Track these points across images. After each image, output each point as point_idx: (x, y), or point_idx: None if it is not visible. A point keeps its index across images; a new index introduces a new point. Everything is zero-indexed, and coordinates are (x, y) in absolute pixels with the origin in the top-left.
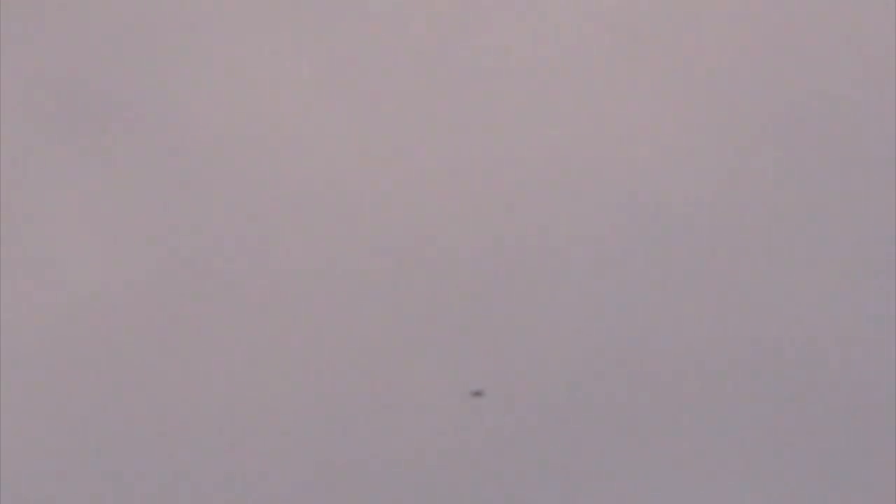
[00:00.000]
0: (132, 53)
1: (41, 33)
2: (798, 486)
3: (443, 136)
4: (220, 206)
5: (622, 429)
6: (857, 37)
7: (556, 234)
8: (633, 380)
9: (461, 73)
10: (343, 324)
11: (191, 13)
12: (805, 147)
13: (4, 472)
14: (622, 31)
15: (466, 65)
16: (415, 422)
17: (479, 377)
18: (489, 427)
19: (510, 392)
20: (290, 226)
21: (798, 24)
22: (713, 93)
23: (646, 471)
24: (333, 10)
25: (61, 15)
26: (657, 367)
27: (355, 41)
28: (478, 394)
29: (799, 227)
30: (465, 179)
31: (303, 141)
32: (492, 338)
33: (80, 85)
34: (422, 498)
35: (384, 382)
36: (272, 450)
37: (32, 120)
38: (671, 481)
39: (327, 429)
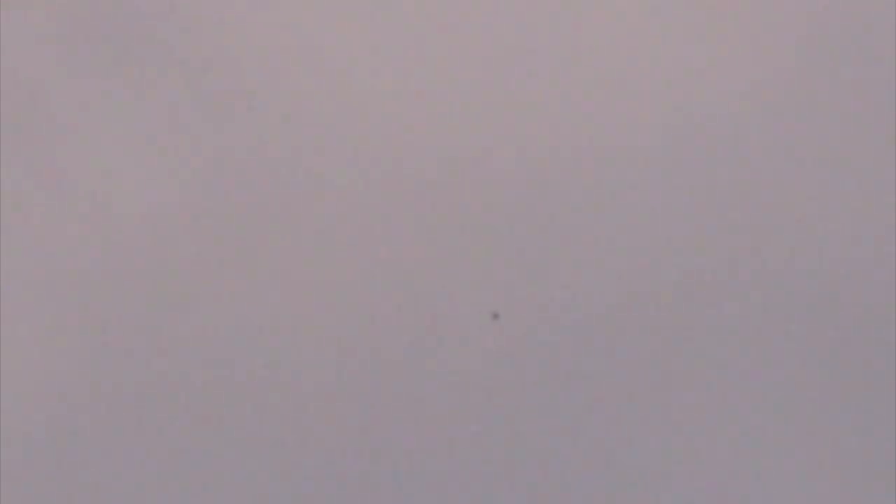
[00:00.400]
0: None
1: None
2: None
3: (468, 53)
4: (256, 126)
5: (639, 352)
6: None
7: (578, 157)
8: (654, 306)
9: None
10: (366, 244)
11: None
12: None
13: (44, 385)
14: None
15: None
16: (433, 342)
17: (498, 300)
18: (506, 349)
19: (528, 314)
20: (322, 148)
21: None
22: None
23: (662, 394)
24: None
25: None
26: (680, 291)
27: None
28: (496, 316)
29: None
30: (491, 101)
31: (333, 61)
32: (512, 260)
33: (116, 5)
34: (435, 418)
35: (403, 302)
36: (297, 368)
37: (69, 42)
38: (688, 408)
39: (348, 348)
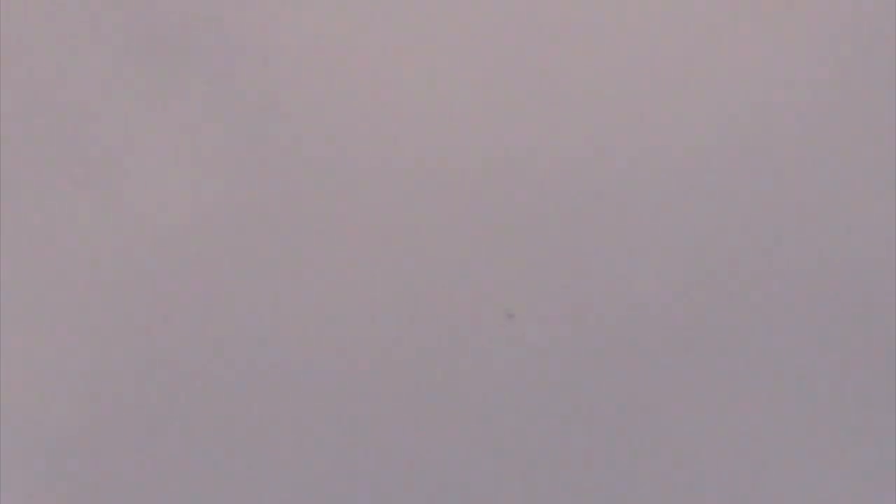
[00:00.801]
0: None
1: None
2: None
3: (494, 52)
4: (290, 131)
5: (660, 357)
6: None
7: (599, 151)
8: (672, 309)
9: None
10: (389, 242)
11: None
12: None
13: (81, 386)
14: None
15: None
16: (444, 342)
17: (514, 298)
18: (521, 349)
19: (544, 314)
20: (365, 153)
21: None
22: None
23: (683, 398)
24: None
25: None
26: (703, 293)
27: None
28: (511, 315)
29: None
30: (510, 98)
31: (363, 64)
32: (527, 257)
33: (156, 8)
34: (446, 420)
35: (417, 300)
36: (313, 366)
37: (109, 46)
38: (712, 410)
39: (360, 348)
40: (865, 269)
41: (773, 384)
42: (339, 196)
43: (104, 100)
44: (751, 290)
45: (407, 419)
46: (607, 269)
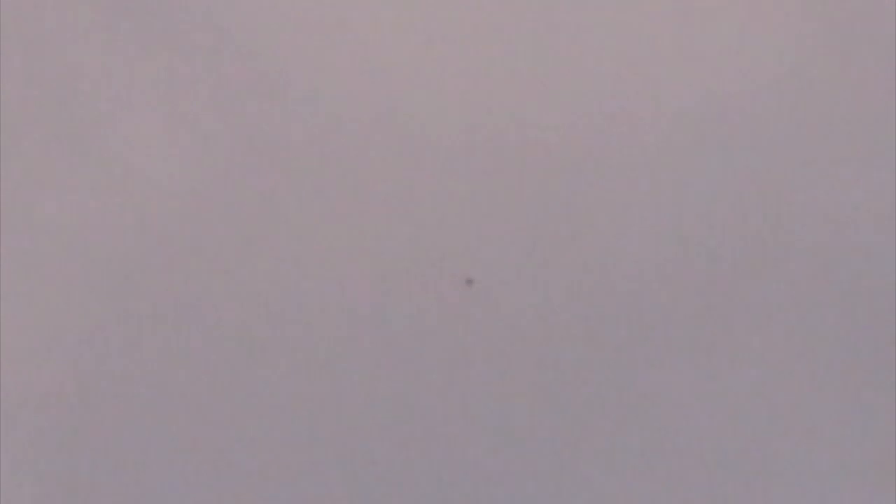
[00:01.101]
0: None
1: None
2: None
3: (476, 37)
4: (282, 104)
5: (617, 326)
6: None
7: (562, 120)
8: (629, 274)
9: None
10: (346, 213)
11: None
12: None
13: (73, 355)
14: None
15: None
16: (406, 308)
17: (472, 265)
18: (480, 315)
19: (502, 283)
20: (362, 126)
21: None
22: None
23: (647, 378)
24: None
25: None
26: (674, 276)
27: None
28: (470, 282)
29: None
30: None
31: (358, 39)
32: (485, 225)
33: None
34: (408, 385)
35: (378, 268)
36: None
37: (100, 19)
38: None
39: (326, 310)
40: (861, 249)
41: (751, 361)
42: (316, 168)
43: (98, 67)
44: (718, 263)
45: (368, 384)
46: (572, 239)
